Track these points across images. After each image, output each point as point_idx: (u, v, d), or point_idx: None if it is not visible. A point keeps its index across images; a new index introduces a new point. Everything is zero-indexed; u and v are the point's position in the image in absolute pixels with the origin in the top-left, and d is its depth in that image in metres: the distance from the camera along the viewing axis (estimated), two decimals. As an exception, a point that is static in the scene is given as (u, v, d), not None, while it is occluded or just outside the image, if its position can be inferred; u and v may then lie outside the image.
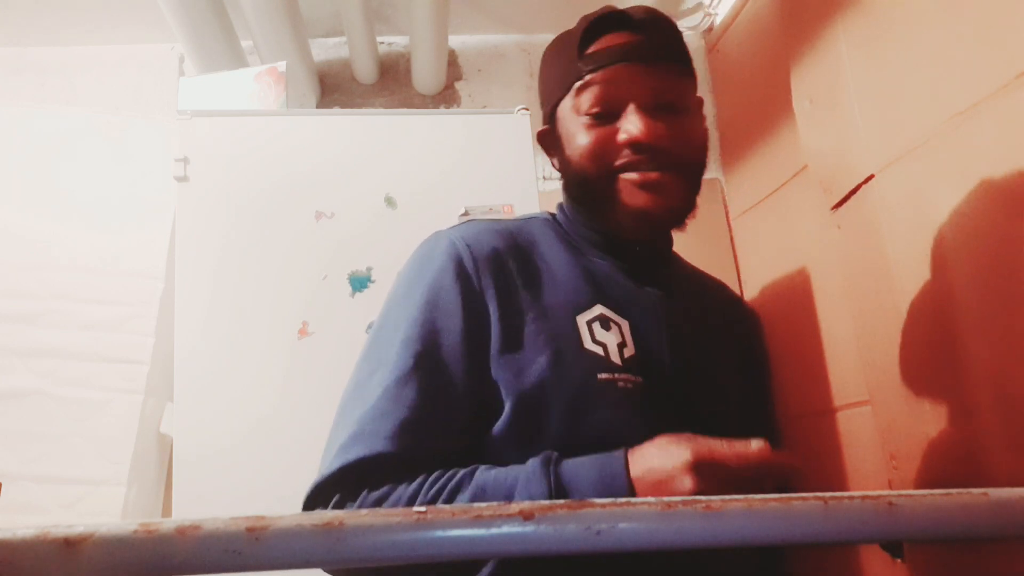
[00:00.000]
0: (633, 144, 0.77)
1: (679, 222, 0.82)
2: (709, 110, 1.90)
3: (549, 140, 0.89)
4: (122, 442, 1.50)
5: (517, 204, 1.42)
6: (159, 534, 0.40)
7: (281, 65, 1.60)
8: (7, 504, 1.42)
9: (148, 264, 1.61)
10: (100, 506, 1.46)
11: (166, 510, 1.56)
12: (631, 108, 0.78)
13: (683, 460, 0.60)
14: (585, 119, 0.80)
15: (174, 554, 0.39)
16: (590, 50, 0.80)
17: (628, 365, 0.75)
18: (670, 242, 0.90)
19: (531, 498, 0.63)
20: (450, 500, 0.66)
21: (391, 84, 1.95)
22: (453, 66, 1.96)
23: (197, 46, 1.67)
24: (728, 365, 0.88)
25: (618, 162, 0.78)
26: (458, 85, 1.94)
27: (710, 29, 1.95)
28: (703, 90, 2.06)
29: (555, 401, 0.72)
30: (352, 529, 0.41)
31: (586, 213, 0.86)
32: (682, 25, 1.96)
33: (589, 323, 0.77)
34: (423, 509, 0.42)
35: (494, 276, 0.78)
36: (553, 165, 0.91)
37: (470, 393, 0.73)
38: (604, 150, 0.78)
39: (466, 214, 1.41)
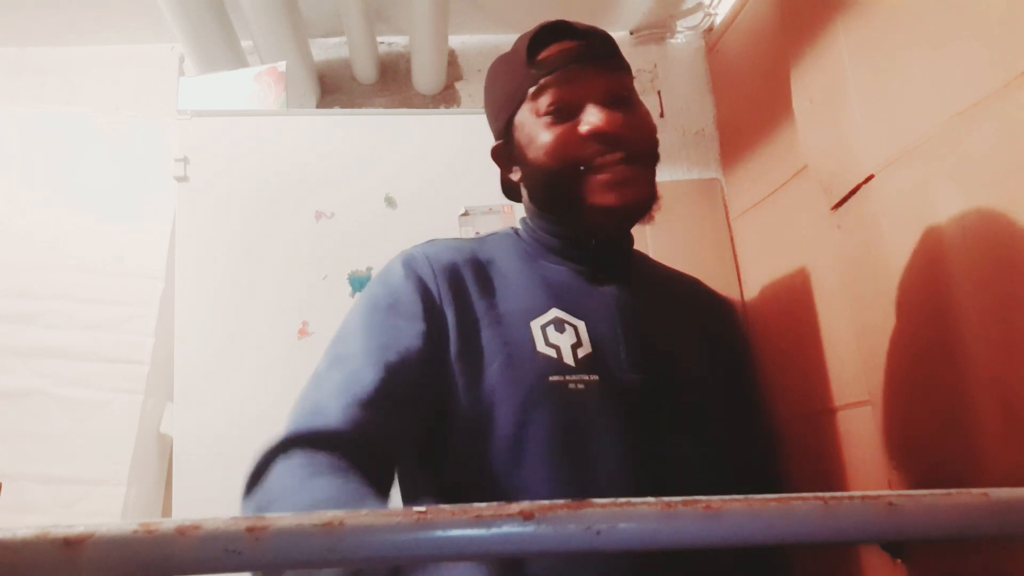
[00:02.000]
0: (596, 134, 0.80)
1: (647, 212, 0.85)
2: (709, 110, 1.90)
3: (505, 154, 0.92)
4: (122, 442, 1.50)
5: (517, 204, 1.42)
6: (159, 534, 0.40)
7: (281, 65, 1.60)
8: (7, 504, 1.42)
9: (148, 264, 1.61)
10: (100, 506, 1.46)
11: (166, 510, 1.56)
12: (589, 104, 0.81)
13: None
14: (545, 119, 0.83)
15: (174, 554, 0.39)
16: (540, 57, 0.84)
17: (582, 365, 0.77)
18: (630, 242, 0.92)
19: None
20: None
21: (391, 84, 1.95)
22: (453, 66, 1.96)
23: (197, 46, 1.67)
24: (700, 357, 0.88)
25: (583, 155, 0.80)
26: (458, 85, 1.94)
27: (710, 29, 1.95)
28: (703, 90, 2.06)
29: (505, 404, 0.75)
30: (352, 529, 0.41)
31: (550, 217, 0.88)
32: (682, 25, 1.96)
33: (543, 327, 0.80)
34: (423, 509, 0.42)
35: (452, 287, 0.81)
36: (508, 180, 0.94)
37: (428, 392, 0.76)
38: (567, 144, 0.81)
39: (466, 214, 1.41)
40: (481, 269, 0.85)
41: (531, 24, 0.88)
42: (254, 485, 0.70)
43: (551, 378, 0.76)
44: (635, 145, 0.82)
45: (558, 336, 0.79)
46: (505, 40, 1.96)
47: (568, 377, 0.76)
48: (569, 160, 0.81)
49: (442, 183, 1.43)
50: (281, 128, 1.44)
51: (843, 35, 1.08)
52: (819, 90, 1.17)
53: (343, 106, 1.92)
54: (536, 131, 0.83)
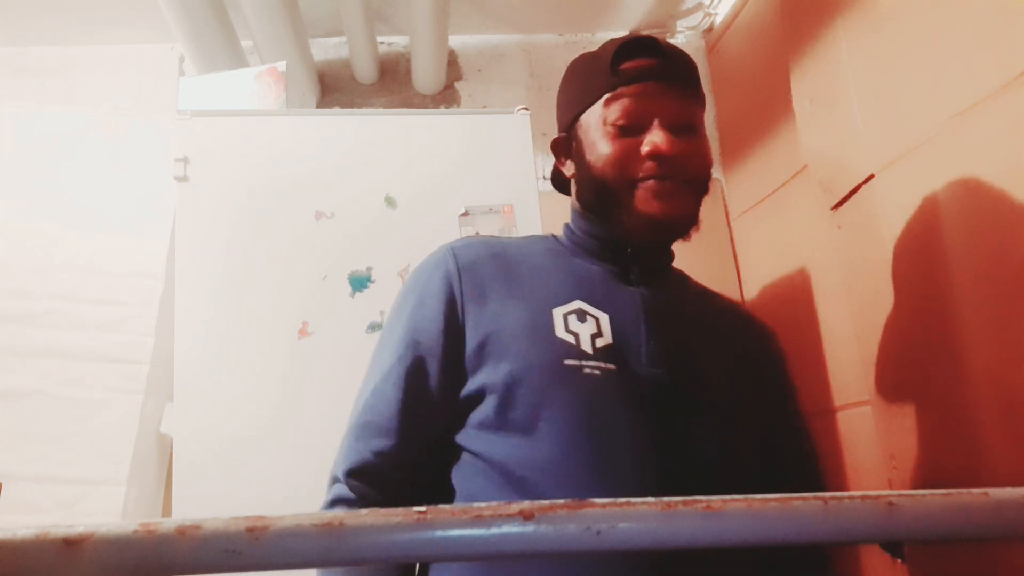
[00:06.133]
0: (656, 156, 0.83)
1: (685, 231, 0.88)
2: (709, 110, 1.90)
3: (564, 147, 0.95)
4: (122, 442, 1.50)
5: (517, 204, 1.42)
6: (159, 534, 0.40)
7: (281, 65, 1.60)
8: (7, 504, 1.42)
9: (148, 264, 1.61)
10: (100, 506, 1.46)
11: (166, 510, 1.56)
12: (656, 124, 0.84)
13: None
14: (611, 129, 0.85)
15: (174, 554, 0.39)
16: (622, 67, 0.86)
17: (600, 354, 0.80)
18: (670, 256, 0.94)
19: None
20: None
21: (391, 84, 1.95)
22: (453, 66, 1.96)
23: (197, 46, 1.67)
24: (729, 368, 0.88)
25: (639, 173, 0.84)
26: (458, 85, 1.94)
27: (710, 29, 1.95)
28: (703, 90, 2.06)
29: (523, 385, 0.78)
30: (352, 529, 0.41)
31: (594, 219, 0.91)
32: (682, 25, 1.96)
33: (565, 315, 0.82)
34: (423, 509, 0.42)
35: (475, 279, 0.86)
36: (562, 171, 0.96)
37: (448, 387, 0.82)
38: (627, 160, 0.84)
39: (466, 214, 1.41)
40: (508, 262, 0.88)
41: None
42: None
43: (566, 361, 0.78)
44: (688, 171, 0.85)
45: (579, 325, 0.82)
46: (505, 40, 1.96)
47: (584, 362, 0.79)
48: (624, 176, 0.84)
49: (442, 183, 1.43)
50: (281, 128, 1.44)
51: (843, 35, 1.08)
52: (819, 90, 1.17)
53: (343, 106, 1.92)
54: (600, 138, 0.86)
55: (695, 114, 0.88)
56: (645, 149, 0.83)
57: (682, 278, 0.98)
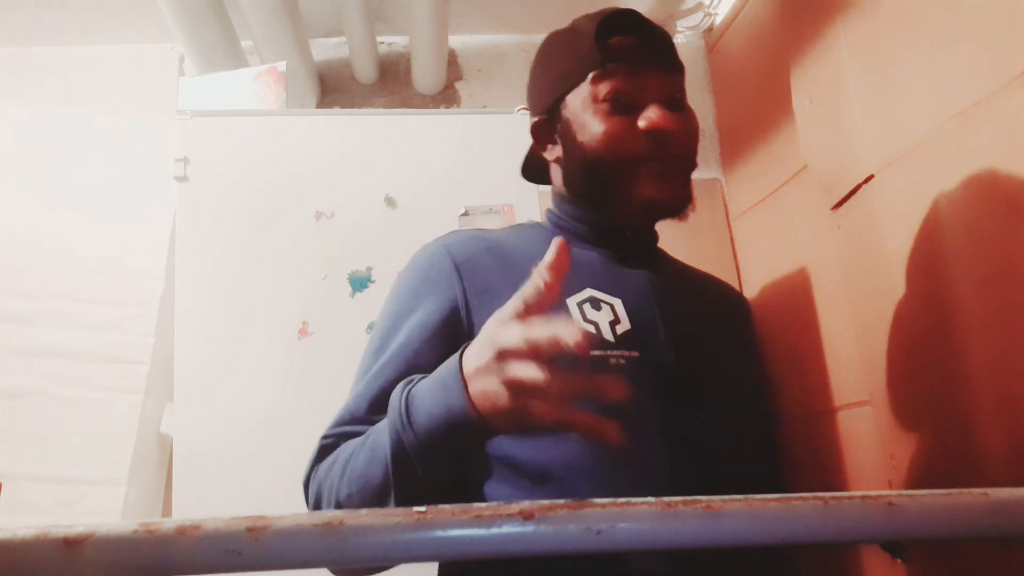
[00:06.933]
0: (654, 132, 0.80)
1: (683, 210, 0.86)
2: (709, 110, 1.90)
3: (546, 130, 0.90)
4: (122, 442, 1.50)
5: (517, 204, 1.42)
6: (159, 534, 0.40)
7: (281, 65, 1.60)
8: (7, 504, 1.42)
9: (148, 264, 1.61)
10: (100, 506, 1.45)
11: (166, 510, 1.56)
12: (650, 101, 0.82)
13: (489, 356, 0.59)
14: (603, 107, 0.82)
15: (174, 554, 0.39)
16: (610, 41, 0.83)
17: (622, 341, 0.78)
18: (655, 236, 0.93)
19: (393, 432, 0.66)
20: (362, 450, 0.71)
21: (391, 84, 1.95)
22: (453, 66, 1.96)
23: (197, 46, 1.67)
24: (722, 345, 0.89)
25: (636, 150, 0.81)
26: (458, 85, 1.94)
27: (710, 29, 1.95)
28: (703, 90, 2.05)
29: None
30: (352, 529, 0.41)
31: (581, 203, 0.88)
32: (682, 25, 1.96)
33: (580, 304, 0.80)
34: (423, 509, 0.42)
35: (476, 276, 0.82)
36: (538, 158, 0.92)
37: None
38: (623, 138, 0.81)
39: (466, 214, 1.41)
40: (505, 255, 0.85)
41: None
42: (311, 478, 0.78)
43: (593, 353, 0.76)
44: (683, 147, 0.84)
45: (595, 313, 0.79)
46: (505, 40, 1.96)
47: (610, 352, 0.76)
48: (621, 154, 0.81)
49: (442, 183, 1.43)
50: (281, 128, 1.44)
51: (843, 35, 1.08)
52: (819, 90, 1.17)
53: (343, 106, 1.92)
54: (591, 117, 0.82)
55: (680, 87, 0.87)
56: (643, 124, 0.80)
57: (667, 257, 0.97)
